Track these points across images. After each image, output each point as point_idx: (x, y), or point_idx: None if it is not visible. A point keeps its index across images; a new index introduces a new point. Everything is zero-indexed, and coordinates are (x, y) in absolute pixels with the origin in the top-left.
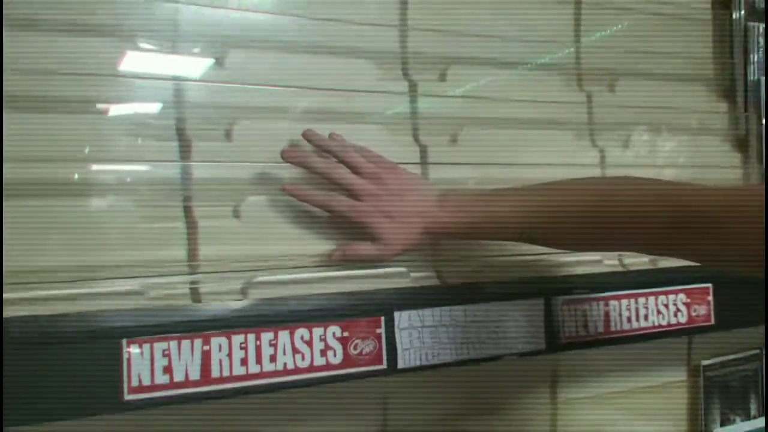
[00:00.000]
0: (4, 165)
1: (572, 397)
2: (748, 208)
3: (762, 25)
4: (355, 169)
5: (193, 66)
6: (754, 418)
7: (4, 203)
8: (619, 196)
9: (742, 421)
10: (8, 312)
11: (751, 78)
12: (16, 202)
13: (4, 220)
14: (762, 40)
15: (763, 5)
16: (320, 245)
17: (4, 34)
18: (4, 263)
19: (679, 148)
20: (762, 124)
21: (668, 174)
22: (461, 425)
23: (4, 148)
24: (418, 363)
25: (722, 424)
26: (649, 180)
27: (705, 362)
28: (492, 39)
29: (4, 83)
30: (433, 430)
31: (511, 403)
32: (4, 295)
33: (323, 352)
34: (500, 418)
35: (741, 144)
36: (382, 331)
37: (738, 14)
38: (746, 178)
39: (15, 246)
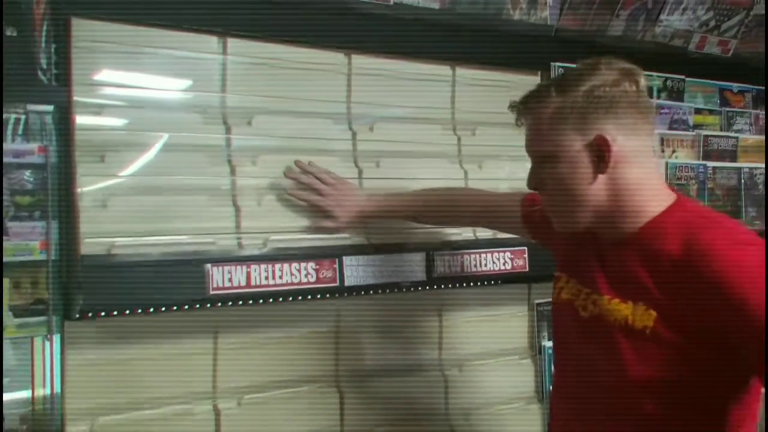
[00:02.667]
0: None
1: (452, 321)
2: (504, 204)
3: None
4: (322, 181)
5: (235, 126)
6: None
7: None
8: (456, 198)
9: None
10: (148, 250)
11: None
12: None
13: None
14: None
15: None
16: (304, 221)
17: None
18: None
19: (515, 169)
20: None
21: (505, 184)
22: (384, 332)
23: None
24: (355, 284)
25: (549, 340)
26: (472, 189)
27: (538, 301)
28: (399, 107)
29: None
30: (367, 333)
31: (414, 324)
32: (147, 239)
33: (306, 275)
34: (406, 332)
35: None
36: (336, 266)
37: None
38: None
39: (161, 219)
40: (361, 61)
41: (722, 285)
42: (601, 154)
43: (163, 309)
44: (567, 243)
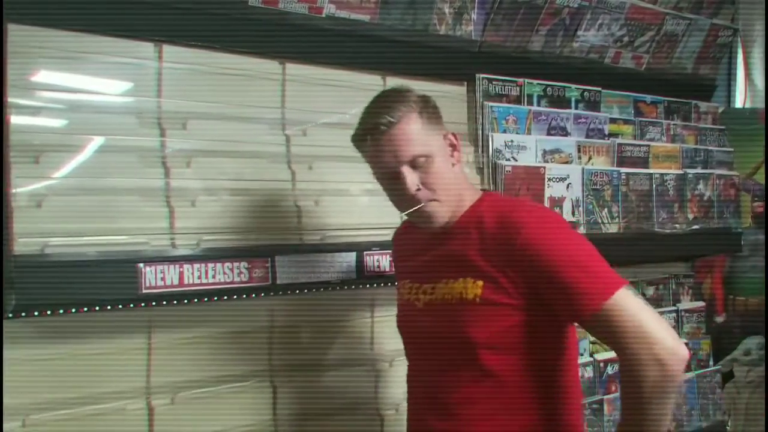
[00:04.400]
0: None
1: (383, 318)
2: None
3: (489, 103)
4: None
5: (170, 130)
6: None
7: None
8: None
9: None
10: (82, 249)
11: (486, 134)
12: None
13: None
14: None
15: (496, 91)
16: (237, 221)
17: None
18: (87, 222)
19: None
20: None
21: None
22: (317, 329)
23: None
24: (287, 282)
25: None
26: None
27: None
28: (332, 113)
29: None
30: (300, 330)
31: (347, 321)
32: (81, 239)
33: (238, 274)
34: (339, 329)
35: (480, 172)
36: (269, 265)
37: (479, 96)
38: None
39: (95, 220)
40: (295, 69)
41: (529, 247)
42: (453, 146)
43: (97, 308)
44: (404, 255)
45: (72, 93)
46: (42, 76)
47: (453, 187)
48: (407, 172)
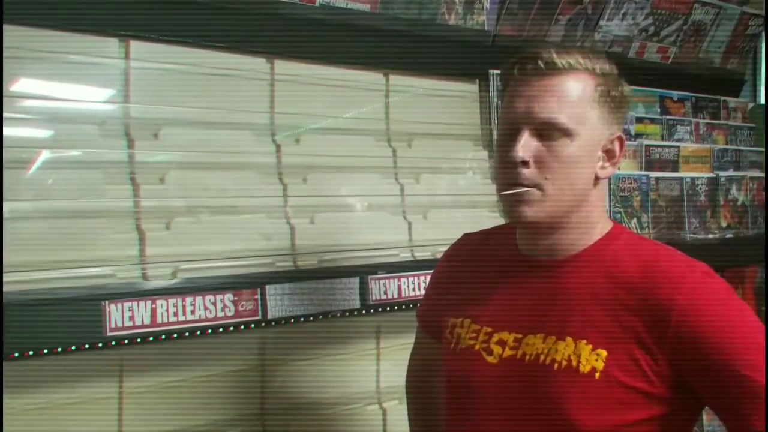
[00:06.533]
0: None
1: (392, 348)
2: (423, 352)
3: None
4: None
5: (139, 140)
6: None
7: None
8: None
9: None
10: (37, 285)
11: None
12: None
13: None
14: None
15: None
16: (221, 246)
17: None
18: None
19: (453, 181)
20: None
21: (443, 199)
22: (316, 363)
23: None
24: (280, 315)
25: None
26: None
27: None
28: (329, 117)
29: None
30: (296, 365)
31: (350, 352)
32: (32, 274)
33: (222, 309)
34: (341, 362)
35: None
36: (258, 296)
37: (493, 95)
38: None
39: (50, 249)
40: (285, 67)
41: (691, 325)
42: (612, 152)
43: (58, 350)
44: (462, 280)
45: (22, 99)
46: None
47: (571, 190)
48: (526, 136)
